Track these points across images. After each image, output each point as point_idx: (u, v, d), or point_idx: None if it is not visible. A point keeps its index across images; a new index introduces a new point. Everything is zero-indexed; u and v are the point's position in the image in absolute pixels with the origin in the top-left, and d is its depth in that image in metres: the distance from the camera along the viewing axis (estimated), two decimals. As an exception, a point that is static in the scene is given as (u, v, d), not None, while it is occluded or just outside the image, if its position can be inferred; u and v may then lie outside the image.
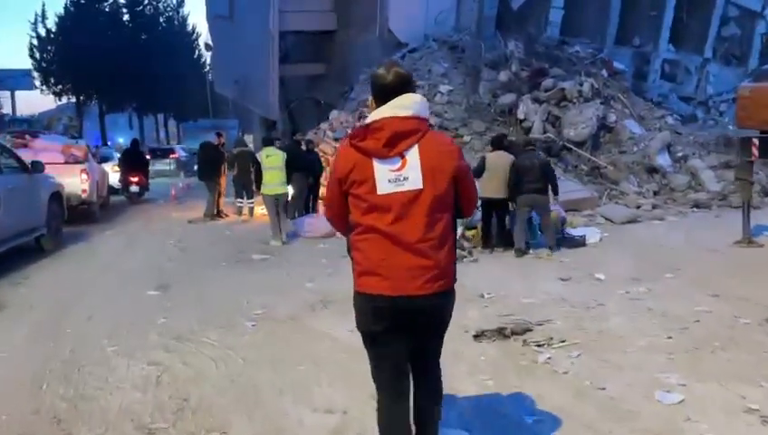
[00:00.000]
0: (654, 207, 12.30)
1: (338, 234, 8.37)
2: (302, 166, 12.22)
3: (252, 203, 12.78)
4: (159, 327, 5.41)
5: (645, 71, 24.13)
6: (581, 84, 15.66)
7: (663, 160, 13.68)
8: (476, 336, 4.91)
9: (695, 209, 11.97)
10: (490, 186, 8.45)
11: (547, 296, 6.21)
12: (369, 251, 2.45)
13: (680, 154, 14.33)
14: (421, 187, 2.41)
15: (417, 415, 2.66)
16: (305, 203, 12.43)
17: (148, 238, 10.69)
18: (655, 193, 13.11)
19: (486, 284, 6.67)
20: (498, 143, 8.98)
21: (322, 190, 13.37)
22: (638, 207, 12.15)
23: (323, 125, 16.44)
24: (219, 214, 12.92)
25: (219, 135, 13.53)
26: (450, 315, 2.57)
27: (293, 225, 10.85)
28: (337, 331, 5.18)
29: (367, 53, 20.31)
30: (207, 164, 12.81)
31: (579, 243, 9.08)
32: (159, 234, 11.10)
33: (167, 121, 56.73)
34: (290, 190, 12.44)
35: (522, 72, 16.31)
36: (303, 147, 12.83)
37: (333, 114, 16.58)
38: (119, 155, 19.32)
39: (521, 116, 15.16)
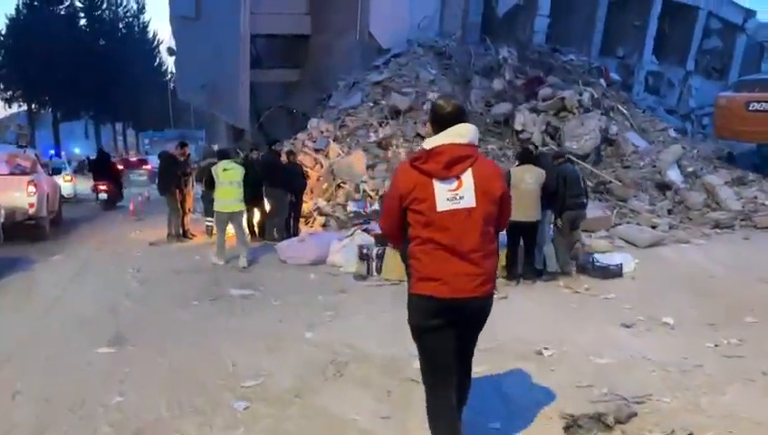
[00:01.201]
0: (671, 227, 11.16)
1: (328, 260, 7.61)
2: (282, 180, 10.74)
3: (224, 222, 11.22)
4: (113, 412, 3.86)
5: (629, 82, 23.40)
6: (581, 94, 14.55)
7: (675, 176, 12.59)
8: (568, 428, 3.51)
9: (718, 231, 10.84)
10: (518, 207, 7.10)
11: (621, 352, 4.86)
12: (428, 260, 2.76)
13: (690, 169, 13.28)
14: (474, 205, 2.75)
15: None
16: (286, 224, 10.90)
17: (101, 266, 9.01)
18: (669, 211, 11.99)
19: (536, 333, 5.31)
20: (527, 156, 7.67)
21: (305, 207, 11.90)
22: (654, 228, 10.99)
23: (301, 135, 14.98)
24: (185, 234, 11.28)
25: (184, 145, 11.84)
26: (488, 314, 2.90)
27: (276, 249, 9.30)
28: (364, 415, 3.73)
29: (345, 59, 19.05)
30: (166, 177, 11.17)
31: (614, 273, 7.79)
32: (116, 259, 9.43)
33: (125, 131, 54.26)
34: (267, 207, 10.98)
35: (516, 81, 15.14)
36: (284, 158, 11.31)
37: (312, 123, 15.12)
38: (70, 167, 18.72)
39: (518, 127, 13.95)
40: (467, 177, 2.74)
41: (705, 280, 7.51)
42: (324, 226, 11.63)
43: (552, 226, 8.01)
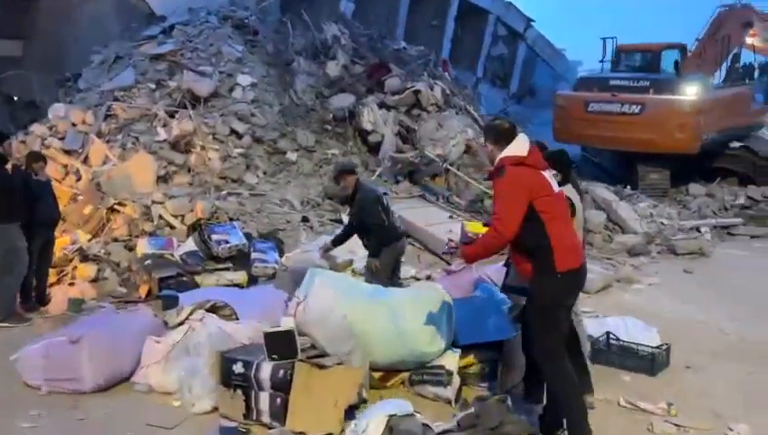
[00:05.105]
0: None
1: (138, 380, 4.36)
2: (13, 208, 5.76)
3: None
4: None
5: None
6: (432, 88, 11.62)
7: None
8: None
9: (644, 260, 8.53)
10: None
11: None
12: (561, 232, 3.31)
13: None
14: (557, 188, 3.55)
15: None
16: (23, 289, 5.86)
17: None
18: (566, 236, 9.54)
19: None
20: (564, 166, 4.16)
21: (65, 248, 6.91)
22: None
23: (37, 128, 9.49)
24: None
25: None
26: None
27: (16, 361, 4.31)
28: None
29: (95, 27, 13.82)
30: None
31: (662, 362, 4.68)
32: None
33: None
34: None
35: (355, 67, 11.65)
36: (9, 166, 6.19)
37: (57, 110, 9.67)
38: None
39: (366, 126, 10.45)
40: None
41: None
42: (95, 281, 6.77)
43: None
